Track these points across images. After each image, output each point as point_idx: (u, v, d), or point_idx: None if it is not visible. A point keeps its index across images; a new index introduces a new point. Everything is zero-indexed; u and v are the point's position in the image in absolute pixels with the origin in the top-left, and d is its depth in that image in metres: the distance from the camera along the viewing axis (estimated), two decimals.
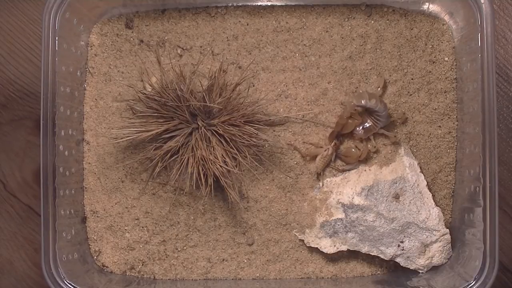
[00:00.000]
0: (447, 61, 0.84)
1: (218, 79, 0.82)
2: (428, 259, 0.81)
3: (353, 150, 0.82)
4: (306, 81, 0.84)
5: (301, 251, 0.85)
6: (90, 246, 0.85)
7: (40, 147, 0.77)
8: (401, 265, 0.82)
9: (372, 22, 0.84)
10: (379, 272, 0.84)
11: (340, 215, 0.82)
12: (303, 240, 0.84)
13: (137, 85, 0.85)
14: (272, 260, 0.85)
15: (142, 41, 0.85)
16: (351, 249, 0.83)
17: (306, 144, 0.84)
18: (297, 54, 0.84)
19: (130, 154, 0.85)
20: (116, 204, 0.85)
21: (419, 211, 0.80)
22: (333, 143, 0.82)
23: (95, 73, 0.86)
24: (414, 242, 0.81)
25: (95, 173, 0.85)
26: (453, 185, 0.84)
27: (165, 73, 0.83)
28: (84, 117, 0.85)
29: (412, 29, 0.84)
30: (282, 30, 0.85)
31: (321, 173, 0.83)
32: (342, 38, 0.84)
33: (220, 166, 0.78)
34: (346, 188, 0.82)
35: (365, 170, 0.83)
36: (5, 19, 0.91)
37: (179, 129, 0.80)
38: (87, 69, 0.86)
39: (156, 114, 0.80)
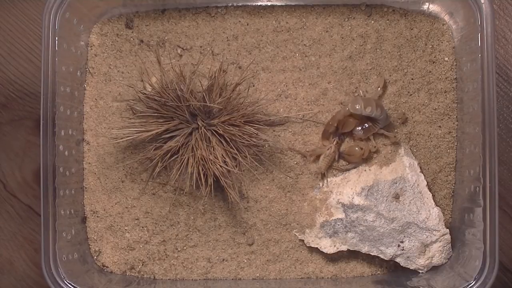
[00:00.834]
0: (447, 61, 0.84)
1: (218, 79, 0.82)
2: (428, 259, 0.81)
3: (357, 149, 0.82)
4: (306, 81, 0.84)
5: (301, 251, 0.85)
6: (90, 246, 0.85)
7: (40, 147, 0.77)
8: (401, 265, 0.82)
9: (372, 22, 0.84)
10: (379, 272, 0.84)
11: (340, 215, 0.82)
12: (303, 240, 0.84)
13: (137, 85, 0.85)
14: (272, 260, 0.85)
15: (142, 41, 0.85)
16: (351, 249, 0.83)
17: (308, 145, 0.84)
18: (297, 54, 0.84)
19: (130, 154, 0.85)
20: (116, 204, 0.85)
21: (419, 211, 0.80)
22: (335, 142, 0.82)
23: (95, 73, 0.86)
24: (414, 242, 0.81)
25: (95, 173, 0.85)
26: (453, 185, 0.84)
27: (165, 73, 0.83)
28: (84, 117, 0.85)
29: (412, 29, 0.84)
30: (282, 30, 0.85)
31: (325, 173, 0.83)
32: (342, 38, 0.84)
33: (220, 166, 0.78)
34: (346, 188, 0.82)
35: (365, 170, 0.83)
36: (5, 19, 0.91)
37: (179, 129, 0.80)
38: (87, 69, 0.86)
39: (156, 114, 0.80)
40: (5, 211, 0.91)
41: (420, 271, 0.82)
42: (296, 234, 0.84)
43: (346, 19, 0.84)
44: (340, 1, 0.84)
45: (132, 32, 0.86)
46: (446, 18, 0.84)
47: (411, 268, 0.82)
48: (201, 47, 0.85)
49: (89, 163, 0.85)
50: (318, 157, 0.83)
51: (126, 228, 0.85)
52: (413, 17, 0.84)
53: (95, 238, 0.85)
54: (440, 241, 0.81)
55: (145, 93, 0.81)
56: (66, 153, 0.81)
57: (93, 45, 0.86)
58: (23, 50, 0.91)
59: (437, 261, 0.81)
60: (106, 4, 0.84)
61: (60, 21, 0.78)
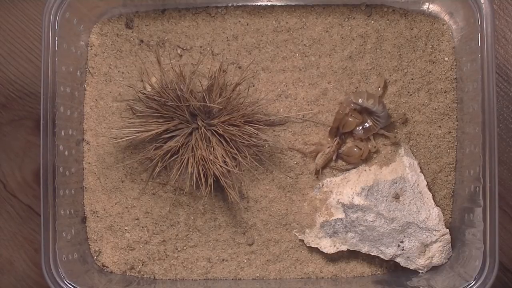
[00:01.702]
0: (447, 61, 0.84)
1: (218, 79, 0.82)
2: (428, 259, 0.81)
3: (355, 149, 0.82)
4: (306, 81, 0.84)
5: (301, 251, 0.85)
6: (90, 246, 0.85)
7: (40, 147, 0.77)
8: (401, 265, 0.82)
9: (372, 22, 0.84)
10: (379, 272, 0.84)
11: (340, 215, 0.82)
12: (303, 240, 0.84)
13: (137, 85, 0.85)
14: (272, 260, 0.85)
15: (142, 41, 0.85)
16: (351, 249, 0.83)
17: (308, 145, 0.84)
18: (297, 54, 0.84)
19: (130, 154, 0.85)
20: (116, 204, 0.85)
21: (419, 211, 0.80)
22: (335, 141, 0.82)
23: (95, 73, 0.86)
24: (414, 242, 0.81)
25: (95, 173, 0.85)
26: (453, 185, 0.84)
27: (165, 73, 0.83)
28: (84, 117, 0.85)
29: (412, 29, 0.84)
30: (282, 30, 0.85)
31: (320, 171, 0.83)
32: (342, 38, 0.84)
33: (220, 166, 0.78)
34: (346, 188, 0.82)
35: (365, 170, 0.83)
36: (5, 19, 0.91)
37: (179, 129, 0.80)
38: (87, 69, 0.86)
39: (156, 114, 0.80)
40: (5, 211, 0.91)
41: (420, 271, 0.82)
42: (296, 234, 0.84)
43: (346, 19, 0.84)
44: (340, 1, 0.84)
45: (132, 32, 0.86)
46: (446, 18, 0.84)
47: (411, 268, 0.82)
48: (201, 47, 0.85)
49: (89, 163, 0.85)
50: (317, 155, 0.83)
51: (126, 228, 0.85)
52: (413, 17, 0.84)
53: (95, 238, 0.85)
54: (440, 241, 0.81)
55: (145, 93, 0.81)
56: (66, 153, 0.81)
57: (93, 45, 0.86)
58: (23, 50, 0.91)
59: (437, 261, 0.81)
60: (106, 4, 0.84)
61: (60, 21, 0.78)
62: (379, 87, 0.83)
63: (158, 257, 0.85)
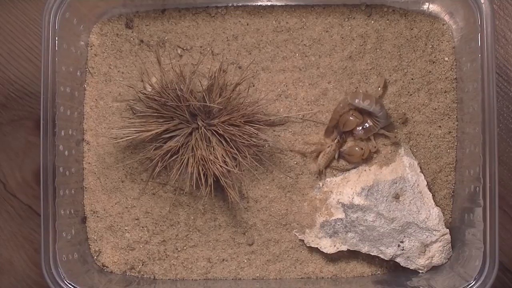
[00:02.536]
0: (447, 61, 0.84)
1: (218, 79, 0.82)
2: (428, 259, 0.81)
3: (357, 149, 0.82)
4: (306, 81, 0.84)
5: (301, 251, 0.85)
6: (90, 246, 0.85)
7: (40, 147, 0.77)
8: (401, 265, 0.82)
9: (372, 22, 0.84)
10: (379, 272, 0.84)
11: (340, 215, 0.82)
12: (303, 240, 0.84)
13: (137, 85, 0.85)
14: (272, 260, 0.85)
15: (142, 41, 0.85)
16: (351, 249, 0.83)
17: (308, 145, 0.84)
18: (297, 54, 0.84)
19: (130, 154, 0.85)
20: (116, 204, 0.85)
21: (419, 211, 0.80)
22: (336, 140, 0.82)
23: (95, 73, 0.86)
24: (414, 242, 0.81)
25: (95, 173, 0.85)
26: (453, 185, 0.84)
27: (165, 73, 0.83)
28: (84, 117, 0.85)
29: (412, 29, 0.84)
30: (282, 30, 0.85)
31: (323, 171, 0.83)
32: (342, 38, 0.84)
33: (220, 166, 0.78)
34: (346, 188, 0.82)
35: (365, 170, 0.83)
36: (5, 19, 0.91)
37: (179, 129, 0.80)
38: (87, 69, 0.86)
39: (156, 114, 0.80)
40: (5, 211, 0.91)
41: (420, 271, 0.82)
42: (296, 234, 0.84)
43: (346, 19, 0.84)
44: (340, 1, 0.84)
45: (132, 32, 0.86)
46: (446, 18, 0.84)
47: (411, 268, 0.82)
48: (201, 47, 0.85)
49: (89, 163, 0.85)
50: (318, 155, 0.83)
51: (126, 228, 0.85)
52: (413, 17, 0.84)
53: (95, 238, 0.85)
54: (440, 241, 0.81)
55: (145, 93, 0.82)
56: (66, 153, 0.81)
57: (93, 45, 0.86)
58: (23, 50, 0.91)
59: (437, 261, 0.81)
60: (106, 4, 0.84)
61: (60, 21, 0.77)
62: (379, 87, 0.83)
63: (158, 257, 0.85)
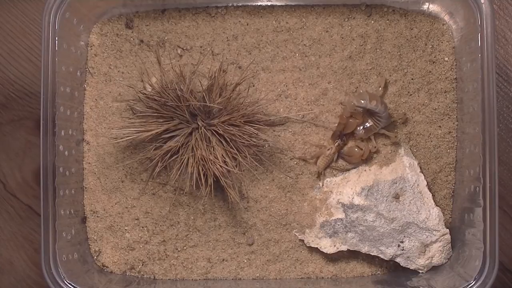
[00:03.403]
0: (447, 61, 0.84)
1: (218, 79, 0.82)
2: (428, 259, 0.81)
3: (356, 149, 0.82)
4: (306, 81, 0.84)
5: (301, 251, 0.85)
6: (90, 246, 0.85)
7: (40, 147, 0.77)
8: (401, 265, 0.82)
9: (372, 22, 0.84)
10: (379, 272, 0.84)
11: (340, 215, 0.82)
12: (303, 240, 0.84)
13: (137, 85, 0.85)
14: (272, 260, 0.85)
15: (142, 41, 0.85)
16: (351, 249, 0.83)
17: (308, 145, 0.84)
18: (297, 54, 0.84)
19: (130, 154, 0.85)
20: (116, 204, 0.85)
21: (419, 211, 0.80)
22: (336, 143, 0.82)
23: (95, 73, 0.86)
24: (414, 242, 0.81)
25: (95, 173, 0.85)
26: (453, 185, 0.84)
27: (165, 73, 0.83)
28: (84, 117, 0.85)
29: (412, 29, 0.84)
30: (282, 30, 0.85)
31: (322, 173, 0.83)
32: (342, 38, 0.84)
33: (220, 166, 0.78)
34: (346, 188, 0.82)
35: (365, 170, 0.83)
36: (5, 19, 0.91)
37: (179, 129, 0.80)
38: (87, 69, 0.86)
39: (156, 114, 0.80)
40: (5, 211, 0.91)
41: (420, 271, 0.82)
42: (296, 234, 0.84)
43: (346, 19, 0.84)
44: (340, 1, 0.84)
45: (132, 32, 0.86)
46: (446, 18, 0.84)
47: (411, 268, 0.82)
48: (201, 47, 0.85)
49: (89, 163, 0.85)
50: (318, 158, 0.83)
51: (126, 228, 0.85)
52: (413, 17, 0.84)
53: (95, 238, 0.85)
54: (440, 241, 0.81)
55: (145, 93, 0.82)
56: (66, 153, 0.81)
57: (93, 45, 0.86)
58: (23, 50, 0.91)
59: (437, 261, 0.81)
60: (106, 4, 0.84)
61: (60, 21, 0.77)
62: (379, 87, 0.83)
63: (158, 257, 0.85)
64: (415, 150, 0.84)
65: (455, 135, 0.84)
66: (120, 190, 0.85)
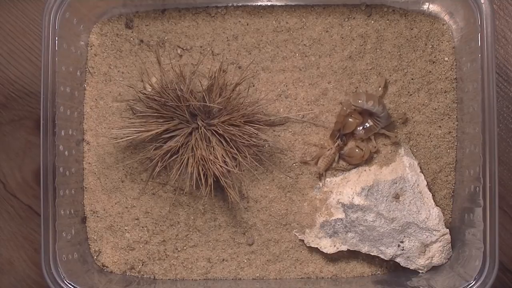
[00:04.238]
0: (447, 61, 0.84)
1: (218, 79, 0.82)
2: (428, 259, 0.81)
3: (357, 150, 0.82)
4: (306, 81, 0.84)
5: (301, 251, 0.85)
6: (90, 246, 0.85)
7: (40, 147, 0.77)
8: (401, 265, 0.82)
9: (372, 22, 0.84)
10: (379, 272, 0.84)
11: (340, 215, 0.82)
12: (303, 240, 0.84)
13: (137, 85, 0.85)
14: (272, 260, 0.85)
15: (142, 41, 0.85)
16: (351, 249, 0.83)
17: (308, 145, 0.84)
18: (297, 54, 0.84)
19: (130, 154, 0.85)
20: (116, 204, 0.85)
21: (419, 211, 0.80)
22: (336, 144, 0.82)
23: (95, 73, 0.86)
24: (414, 242, 0.81)
25: (95, 173, 0.85)
26: (453, 185, 0.84)
27: (165, 73, 0.83)
28: (84, 117, 0.85)
29: (412, 29, 0.84)
30: (282, 30, 0.85)
31: (323, 174, 0.83)
32: (342, 38, 0.84)
33: (220, 166, 0.78)
34: (346, 188, 0.82)
35: (365, 170, 0.83)
36: (5, 19, 0.91)
37: (179, 129, 0.80)
38: (87, 69, 0.86)
39: (156, 114, 0.80)
40: (5, 211, 0.91)
41: (420, 271, 0.82)
42: (296, 234, 0.84)
43: (346, 19, 0.84)
44: (340, 1, 0.84)
45: (132, 32, 0.86)
46: (446, 18, 0.84)
47: (411, 268, 0.82)
48: (201, 47, 0.85)
49: (89, 163, 0.85)
50: (319, 159, 0.83)
51: (126, 228, 0.85)
52: (413, 17, 0.84)
53: (95, 238, 0.85)
54: (440, 241, 0.81)
55: (145, 93, 0.82)
56: (66, 153, 0.81)
57: (93, 45, 0.86)
58: (23, 50, 0.91)
59: (437, 261, 0.81)
60: (106, 4, 0.84)
61: (60, 21, 0.78)
62: (379, 87, 0.83)
63: (158, 257, 0.85)
64: (415, 150, 0.84)
65: (455, 135, 0.84)
66: (120, 190, 0.85)
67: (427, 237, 0.81)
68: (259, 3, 0.85)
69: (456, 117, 0.84)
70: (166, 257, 0.85)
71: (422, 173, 0.82)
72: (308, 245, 0.84)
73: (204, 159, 0.78)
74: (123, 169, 0.85)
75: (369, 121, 0.82)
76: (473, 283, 0.75)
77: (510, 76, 0.88)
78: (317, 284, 0.83)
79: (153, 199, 0.85)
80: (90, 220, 0.85)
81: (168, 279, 0.85)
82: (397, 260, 0.82)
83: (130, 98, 0.85)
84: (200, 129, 0.79)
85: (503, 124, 0.88)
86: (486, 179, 0.74)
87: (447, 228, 0.81)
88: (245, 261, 0.85)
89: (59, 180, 0.78)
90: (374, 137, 0.83)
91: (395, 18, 0.84)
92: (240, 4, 0.85)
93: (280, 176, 0.84)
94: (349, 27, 0.84)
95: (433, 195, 0.82)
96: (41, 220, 0.77)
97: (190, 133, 0.80)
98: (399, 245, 0.81)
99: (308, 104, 0.84)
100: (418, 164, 0.82)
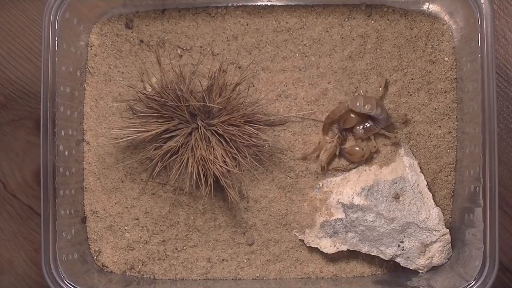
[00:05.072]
0: (447, 61, 0.84)
1: (218, 79, 0.82)
2: (428, 259, 0.81)
3: (357, 149, 0.82)
4: (306, 81, 0.84)
5: (301, 251, 0.85)
6: (90, 246, 0.85)
7: (40, 147, 0.77)
8: (401, 265, 0.82)
9: (372, 22, 0.84)
10: (379, 272, 0.84)
11: (340, 215, 0.82)
12: (303, 240, 0.84)
13: (137, 85, 0.85)
14: (272, 260, 0.85)
15: (142, 41, 0.85)
16: (351, 249, 0.83)
17: (308, 145, 0.84)
18: (297, 54, 0.84)
19: (130, 154, 0.85)
20: (116, 204, 0.85)
21: (419, 211, 0.80)
22: (337, 136, 0.82)
23: (95, 73, 0.86)
24: (414, 242, 0.81)
25: (95, 173, 0.85)
26: (453, 185, 0.84)
27: (165, 73, 0.83)
28: (84, 117, 0.85)
29: (412, 29, 0.84)
30: (282, 30, 0.85)
31: (325, 167, 0.83)
32: (342, 38, 0.84)
33: (220, 166, 0.78)
34: (346, 188, 0.82)
35: (365, 170, 0.83)
36: (5, 19, 0.91)
37: (179, 129, 0.80)
38: (87, 69, 0.86)
39: (156, 114, 0.80)
40: (5, 211, 0.91)
41: (420, 271, 0.82)
42: (296, 234, 0.84)
43: (346, 19, 0.84)
44: (340, 1, 0.84)
45: (132, 32, 0.86)
46: (446, 18, 0.84)
47: (411, 268, 0.82)
48: (201, 47, 0.85)
49: (89, 163, 0.85)
50: (319, 154, 0.83)
51: (126, 228, 0.85)
52: (413, 17, 0.84)
53: (95, 238, 0.85)
54: (440, 241, 0.81)
55: (145, 93, 0.82)
56: (66, 153, 0.81)
57: (93, 45, 0.86)
58: (23, 50, 0.91)
59: (437, 261, 0.81)
60: (106, 4, 0.84)
61: (60, 21, 0.78)
62: (380, 87, 0.83)
63: (158, 257, 0.85)
64: (415, 150, 0.84)
65: (455, 135, 0.84)
66: (120, 190, 0.85)
67: (427, 237, 0.80)
68: (259, 3, 0.85)
69: (456, 117, 0.84)
70: (166, 257, 0.85)
71: (422, 173, 0.82)
72: (308, 245, 0.84)
73: (204, 159, 0.78)
74: (123, 169, 0.85)
75: (368, 121, 0.82)
76: (473, 283, 0.75)
77: (510, 76, 0.88)
78: (317, 284, 0.83)
79: (153, 199, 0.85)
80: (90, 220, 0.85)
81: (168, 279, 0.85)
82: (397, 260, 0.82)
83: (130, 98, 0.85)
84: (200, 129, 0.79)
85: (503, 124, 0.88)
86: (486, 179, 0.74)
87: (447, 228, 0.81)
88: (245, 261, 0.85)
89: (59, 180, 0.78)
90: (374, 137, 0.83)
91: (395, 18, 0.84)
92: (240, 4, 0.85)
93: (280, 176, 0.84)
94: (349, 27, 0.84)
95: (433, 195, 0.82)
96: (41, 220, 0.77)
97: (190, 133, 0.80)
98: (399, 245, 0.81)
99: (308, 104, 0.84)
100: (418, 164, 0.82)
